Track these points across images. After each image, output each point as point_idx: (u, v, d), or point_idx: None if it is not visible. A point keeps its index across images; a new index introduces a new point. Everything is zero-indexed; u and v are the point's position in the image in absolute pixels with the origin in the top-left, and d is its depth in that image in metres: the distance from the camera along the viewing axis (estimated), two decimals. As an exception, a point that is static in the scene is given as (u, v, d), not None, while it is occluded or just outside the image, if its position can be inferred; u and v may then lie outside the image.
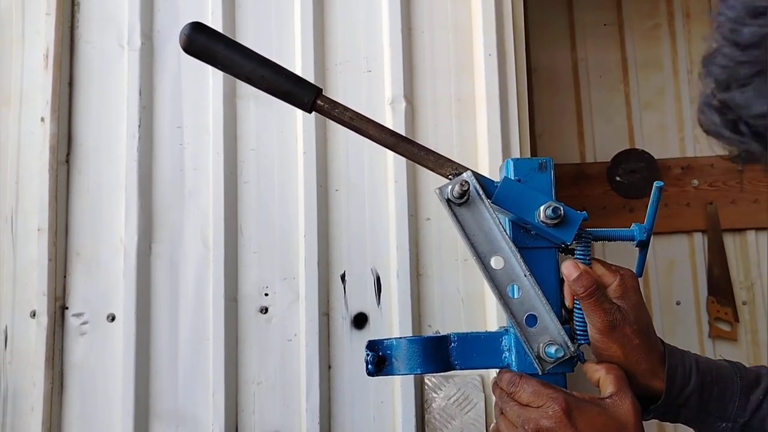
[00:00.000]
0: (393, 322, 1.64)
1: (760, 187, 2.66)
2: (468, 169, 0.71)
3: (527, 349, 0.72)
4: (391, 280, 1.67)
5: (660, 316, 2.63)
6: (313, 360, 1.63)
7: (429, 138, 1.71)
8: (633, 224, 0.81)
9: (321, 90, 0.74)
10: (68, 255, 1.74)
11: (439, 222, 1.70)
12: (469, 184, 0.70)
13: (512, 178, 0.74)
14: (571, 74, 2.85)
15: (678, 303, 2.67)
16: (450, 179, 0.72)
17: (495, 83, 1.70)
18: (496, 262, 0.72)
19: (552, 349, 0.72)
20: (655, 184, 0.80)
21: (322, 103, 0.72)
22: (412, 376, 1.60)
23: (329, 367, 1.66)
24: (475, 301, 1.66)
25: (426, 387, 1.62)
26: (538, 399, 0.72)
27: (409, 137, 1.65)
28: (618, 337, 0.75)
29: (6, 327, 1.73)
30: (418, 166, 1.69)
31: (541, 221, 0.72)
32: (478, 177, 0.72)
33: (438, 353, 0.74)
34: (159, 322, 1.69)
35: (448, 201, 0.71)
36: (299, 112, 1.72)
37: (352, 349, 1.66)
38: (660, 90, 2.82)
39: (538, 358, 0.72)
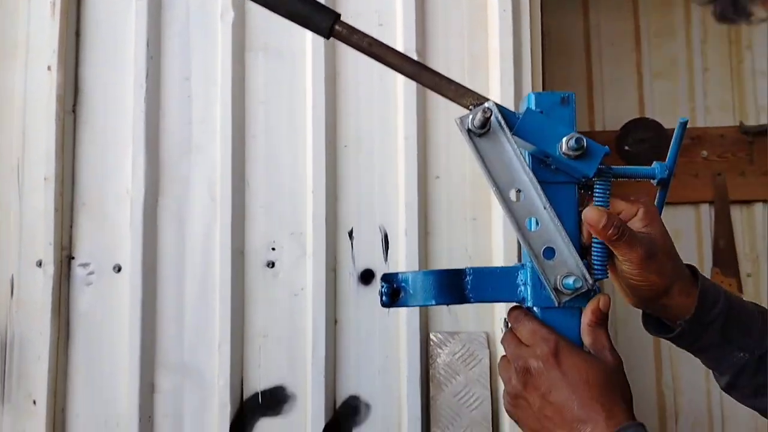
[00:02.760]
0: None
1: (770, 159, 2.64)
2: (489, 99, 0.70)
3: (544, 282, 0.72)
4: (399, 237, 1.66)
5: (664, 286, 2.62)
6: (319, 314, 1.63)
7: (440, 94, 1.68)
8: (654, 162, 0.80)
9: (339, 15, 0.72)
10: (75, 205, 1.73)
11: (449, 180, 1.69)
12: (491, 112, 0.68)
13: (533, 110, 0.72)
14: (582, 41, 2.81)
15: (683, 273, 2.66)
16: (470, 109, 0.70)
17: (509, 41, 1.67)
18: (515, 195, 0.71)
19: (570, 280, 0.71)
20: (680, 119, 0.78)
21: (341, 29, 0.70)
22: (418, 331, 1.60)
23: (335, 322, 1.66)
24: (483, 260, 1.66)
25: (431, 343, 1.62)
26: (532, 337, 0.74)
27: (420, 90, 1.65)
28: (655, 267, 0.76)
29: (12, 276, 1.73)
30: (429, 123, 1.69)
31: (563, 153, 0.71)
32: (500, 107, 0.71)
33: (453, 286, 0.73)
34: (165, 274, 1.69)
35: (469, 131, 0.70)
36: (309, 66, 1.69)
37: (359, 305, 1.66)
38: (672, 59, 2.78)
39: (556, 290, 0.72)
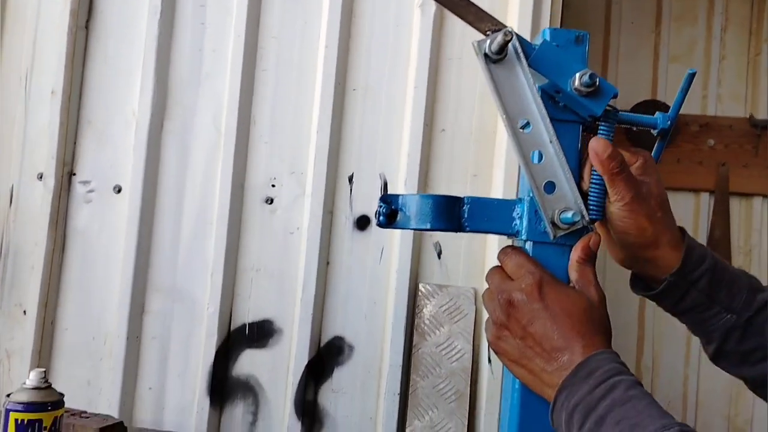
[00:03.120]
0: (395, 229, 1.65)
1: (776, 154, 2.64)
2: (507, 26, 0.70)
3: (542, 215, 0.73)
4: (399, 187, 1.67)
5: (655, 269, 2.64)
6: (312, 254, 1.65)
7: (455, 45, 1.68)
8: (657, 112, 0.81)
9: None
10: (80, 122, 1.73)
11: (454, 135, 1.69)
12: (512, 36, 0.68)
13: (550, 42, 0.72)
14: (603, 17, 2.78)
15: (674, 259, 2.68)
16: (488, 35, 0.70)
17: (529, 7, 1.65)
18: (524, 125, 0.72)
19: (569, 214, 0.72)
20: (689, 71, 0.79)
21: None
22: (407, 280, 1.62)
23: (327, 263, 1.67)
24: (479, 217, 1.66)
25: (420, 293, 1.64)
26: (518, 270, 0.76)
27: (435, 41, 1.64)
28: (645, 208, 0.78)
29: (13, 186, 1.74)
30: (440, 75, 1.69)
31: (575, 89, 0.71)
32: (518, 36, 0.71)
33: (450, 212, 0.74)
34: (164, 199, 1.70)
35: (486, 56, 0.70)
36: (326, 4, 1.68)
37: (352, 249, 1.67)
38: (691, 44, 2.76)
39: (552, 223, 0.73)
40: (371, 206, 1.68)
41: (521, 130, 0.71)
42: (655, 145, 0.83)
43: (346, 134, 1.70)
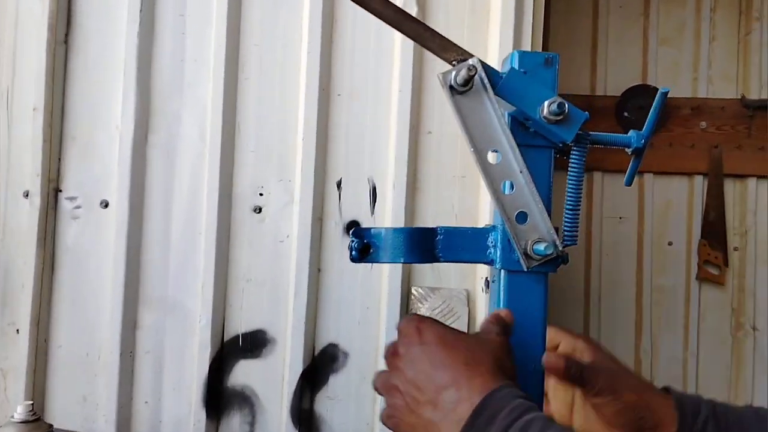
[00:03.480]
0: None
1: (769, 135, 2.62)
2: (473, 55, 0.69)
3: (515, 246, 0.72)
4: (387, 191, 1.66)
5: (650, 255, 2.64)
6: (303, 262, 1.64)
7: (438, 47, 1.66)
8: (631, 131, 0.80)
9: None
10: (63, 137, 1.72)
11: (441, 136, 1.68)
12: (476, 70, 0.67)
13: (517, 70, 0.71)
14: (591, 0, 2.75)
15: (670, 243, 2.67)
16: (454, 65, 0.69)
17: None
18: (492, 156, 0.71)
19: (541, 246, 0.72)
20: (661, 89, 0.77)
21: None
22: (399, 285, 1.62)
23: (319, 270, 1.67)
24: (469, 218, 1.66)
25: (413, 297, 1.64)
26: (404, 328, 0.69)
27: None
28: (623, 384, 0.76)
29: (-1, 205, 1.73)
30: (425, 78, 1.67)
31: (544, 117, 0.70)
32: (484, 65, 0.70)
33: (423, 244, 0.74)
34: (152, 213, 1.69)
35: (451, 88, 0.69)
36: (306, 10, 1.66)
37: (343, 255, 1.67)
38: (680, 26, 2.73)
39: (525, 254, 0.72)
40: (360, 212, 1.68)
41: (491, 162, 0.70)
42: (630, 164, 0.82)
43: (332, 140, 1.69)
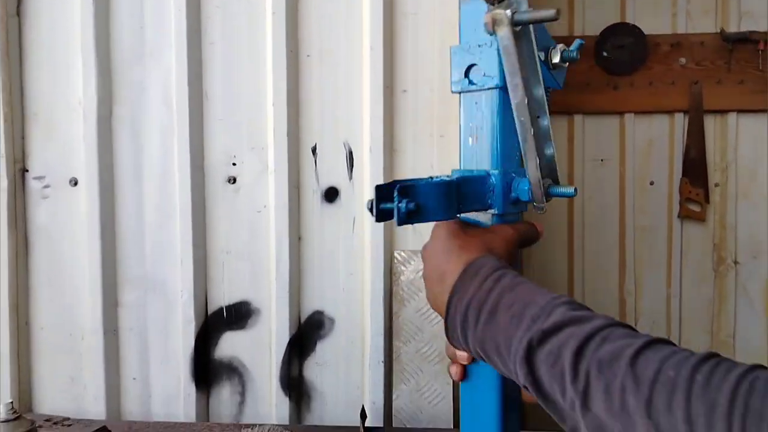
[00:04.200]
0: (365, 198, 1.61)
1: (748, 68, 2.58)
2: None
3: (537, 185, 0.73)
4: (364, 154, 1.62)
5: (633, 195, 2.64)
6: (282, 231, 1.61)
7: None
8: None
9: None
10: (25, 116, 1.66)
11: (416, 94, 1.63)
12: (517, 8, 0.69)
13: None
14: (566, -64, 2.65)
15: (651, 183, 2.67)
16: (493, 5, 0.68)
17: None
18: (538, 91, 0.72)
19: (559, 188, 0.74)
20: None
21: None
22: (382, 249, 1.60)
23: (299, 239, 1.64)
24: (448, 177, 1.63)
25: (395, 261, 1.63)
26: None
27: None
28: None
29: (-36, 189, 1.67)
30: (396, 33, 1.61)
31: (554, 63, 0.75)
32: None
33: (454, 197, 0.75)
34: (123, 188, 1.65)
35: (515, 23, 0.68)
36: (268, -32, 1.57)
37: (323, 222, 1.64)
38: (658, -41, 2.65)
39: (546, 194, 0.74)
40: (338, 177, 1.64)
41: (536, 97, 0.71)
42: None
43: (304, 103, 1.64)
